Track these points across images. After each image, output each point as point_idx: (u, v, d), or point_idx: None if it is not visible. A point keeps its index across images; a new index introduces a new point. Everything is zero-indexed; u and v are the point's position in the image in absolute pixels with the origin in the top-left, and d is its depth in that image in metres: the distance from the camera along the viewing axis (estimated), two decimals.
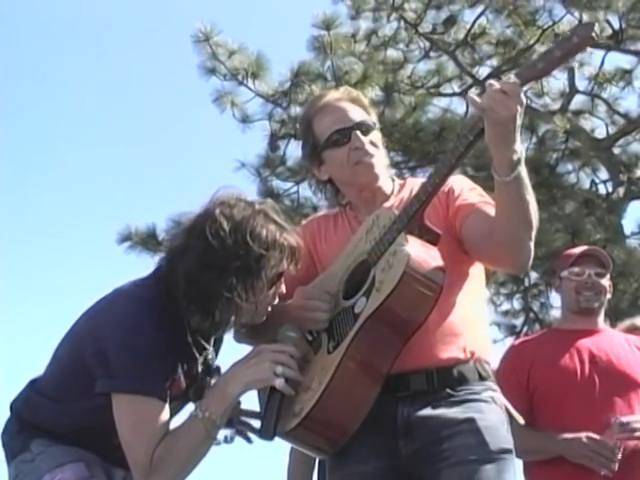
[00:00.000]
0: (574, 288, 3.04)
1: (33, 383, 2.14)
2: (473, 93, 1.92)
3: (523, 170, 1.89)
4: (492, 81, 1.87)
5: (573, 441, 2.81)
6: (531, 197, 1.93)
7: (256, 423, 2.14)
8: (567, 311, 3.13)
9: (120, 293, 2.02)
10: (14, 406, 2.15)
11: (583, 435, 2.81)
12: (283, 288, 2.04)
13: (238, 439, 2.20)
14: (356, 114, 2.17)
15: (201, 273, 1.91)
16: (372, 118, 2.20)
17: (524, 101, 1.84)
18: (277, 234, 1.96)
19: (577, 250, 3.17)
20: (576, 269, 3.05)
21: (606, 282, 3.07)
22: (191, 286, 1.92)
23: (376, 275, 1.97)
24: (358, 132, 2.13)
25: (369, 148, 2.14)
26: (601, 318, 3.11)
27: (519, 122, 1.84)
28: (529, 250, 1.99)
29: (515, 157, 1.86)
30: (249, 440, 2.19)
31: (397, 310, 1.92)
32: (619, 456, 2.77)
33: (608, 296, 3.11)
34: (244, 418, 2.17)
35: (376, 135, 2.18)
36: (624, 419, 2.80)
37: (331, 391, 1.91)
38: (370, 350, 1.94)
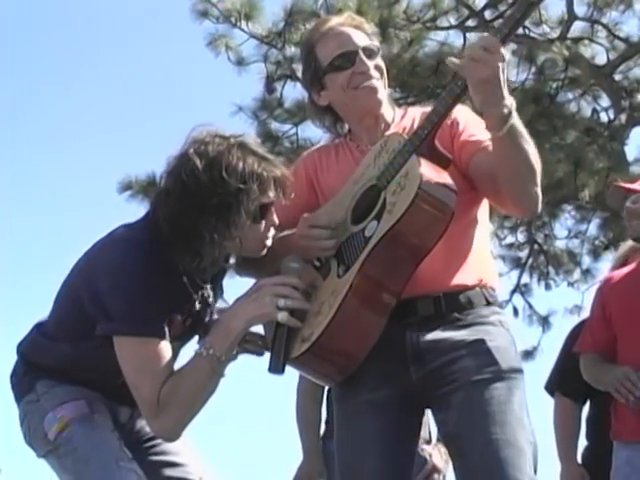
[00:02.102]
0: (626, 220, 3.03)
1: (38, 326, 2.17)
2: (452, 59, 1.89)
3: (516, 121, 1.87)
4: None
5: (614, 372, 2.82)
6: (529, 145, 1.91)
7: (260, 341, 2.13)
8: None
9: (110, 237, 2.03)
10: (20, 348, 2.18)
11: (624, 367, 2.80)
12: (275, 219, 2.02)
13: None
14: (360, 39, 2.14)
15: (181, 215, 1.90)
16: (375, 43, 2.17)
17: (506, 57, 1.81)
18: (255, 165, 1.93)
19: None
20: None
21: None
22: (174, 229, 1.92)
23: (387, 198, 1.94)
24: (363, 56, 2.10)
25: (373, 73, 2.11)
26: None
27: (503, 77, 1.81)
28: (536, 196, 1.97)
29: (505, 110, 1.84)
30: (259, 354, 2.16)
31: (409, 232, 1.90)
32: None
33: None
34: (248, 337, 2.15)
35: (380, 60, 2.15)
36: None
37: (342, 314, 1.89)
38: (381, 273, 1.93)
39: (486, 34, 1.83)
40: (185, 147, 1.97)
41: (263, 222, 1.99)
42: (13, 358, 2.19)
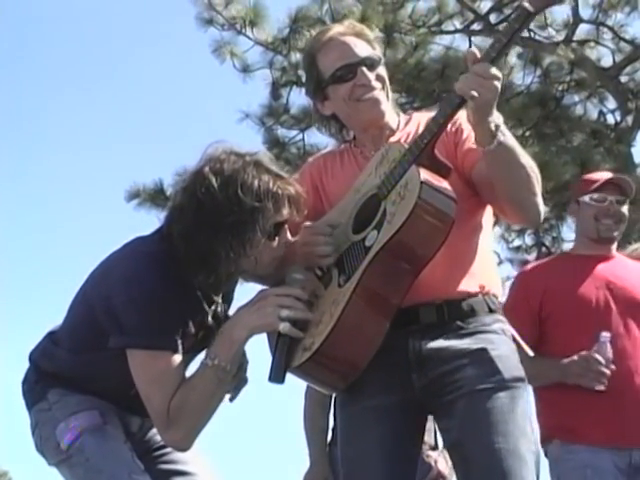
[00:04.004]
0: (593, 215, 3.02)
1: (51, 335, 2.19)
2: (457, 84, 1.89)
3: (505, 134, 1.89)
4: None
5: (568, 364, 2.80)
6: (522, 156, 1.92)
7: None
8: (583, 237, 3.10)
9: (125, 250, 2.04)
10: (32, 357, 2.20)
11: (576, 355, 2.78)
12: (289, 237, 2.03)
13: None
14: (361, 49, 2.14)
15: (196, 233, 1.92)
16: (377, 52, 2.18)
17: (501, 75, 1.84)
18: (270, 184, 1.94)
19: (597, 176, 3.15)
20: (596, 195, 3.02)
21: (625, 209, 3.05)
22: (189, 246, 1.93)
23: (387, 208, 1.95)
24: (364, 68, 2.11)
25: (375, 84, 2.12)
26: (614, 245, 3.10)
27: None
28: (536, 206, 1.99)
29: (493, 125, 1.86)
30: None
31: (409, 242, 1.91)
32: (607, 370, 2.73)
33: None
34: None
35: (382, 70, 2.16)
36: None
37: (343, 323, 1.90)
38: (382, 282, 1.94)
39: (478, 63, 1.84)
40: (200, 164, 1.98)
41: (277, 240, 2.00)
42: (15, 366, 2.22)
